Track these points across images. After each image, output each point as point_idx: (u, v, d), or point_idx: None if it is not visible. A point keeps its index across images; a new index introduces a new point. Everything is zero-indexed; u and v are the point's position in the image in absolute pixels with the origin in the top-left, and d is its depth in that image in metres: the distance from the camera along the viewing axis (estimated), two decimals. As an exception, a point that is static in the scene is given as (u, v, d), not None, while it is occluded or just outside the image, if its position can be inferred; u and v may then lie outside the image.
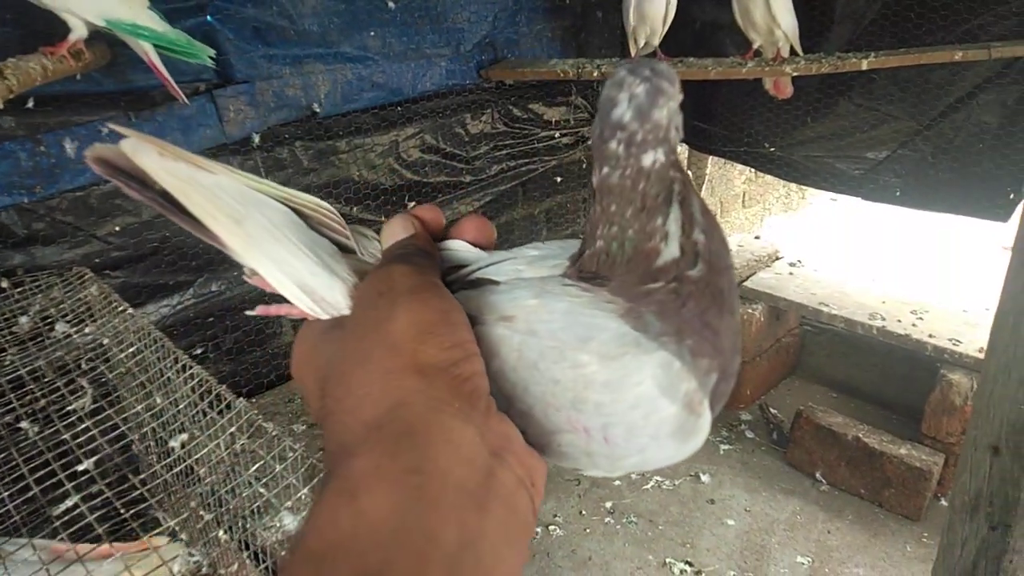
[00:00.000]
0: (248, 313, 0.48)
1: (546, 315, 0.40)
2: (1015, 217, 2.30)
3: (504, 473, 0.33)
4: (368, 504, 0.29)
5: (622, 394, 0.39)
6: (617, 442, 0.40)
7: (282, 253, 0.40)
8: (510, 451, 0.34)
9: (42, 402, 1.39)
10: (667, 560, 2.36)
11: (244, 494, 1.14)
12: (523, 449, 0.35)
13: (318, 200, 0.42)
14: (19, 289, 1.69)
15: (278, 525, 1.12)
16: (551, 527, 2.50)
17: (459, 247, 0.46)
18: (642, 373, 0.39)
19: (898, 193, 2.65)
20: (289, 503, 1.08)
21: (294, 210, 0.42)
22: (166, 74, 1.65)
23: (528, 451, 0.36)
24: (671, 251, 0.42)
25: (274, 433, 1.19)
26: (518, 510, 0.33)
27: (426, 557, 0.29)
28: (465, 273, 0.45)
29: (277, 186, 0.41)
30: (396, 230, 0.43)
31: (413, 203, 2.53)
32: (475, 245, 0.47)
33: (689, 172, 3.63)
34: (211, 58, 1.69)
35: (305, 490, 1.08)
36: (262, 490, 1.11)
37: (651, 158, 0.41)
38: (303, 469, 1.15)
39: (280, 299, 0.43)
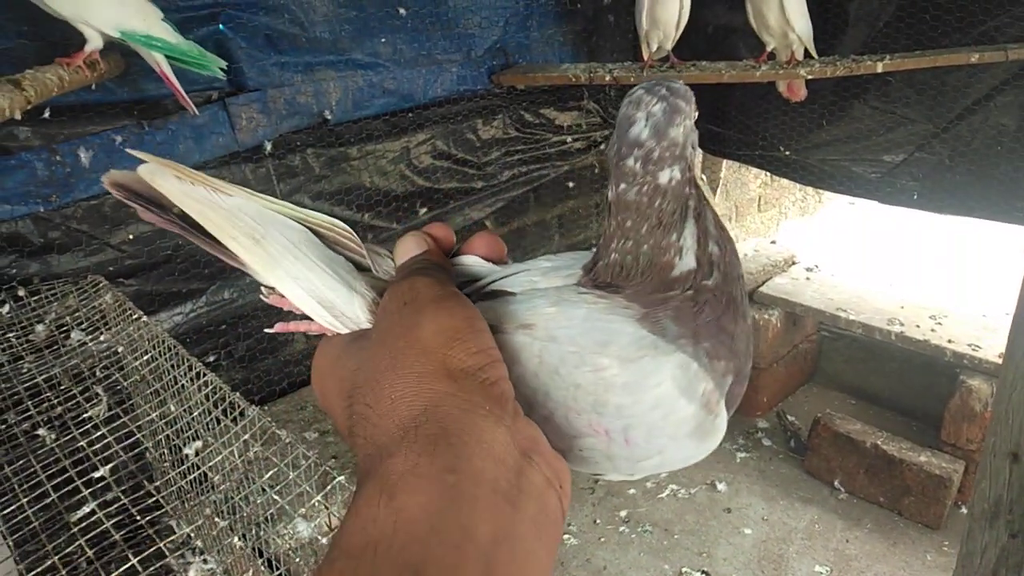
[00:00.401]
0: (267, 331, 0.48)
1: (565, 321, 0.41)
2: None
3: (534, 473, 0.34)
4: (406, 502, 0.30)
5: (642, 395, 0.40)
6: (638, 443, 0.41)
7: (301, 270, 0.41)
8: (538, 452, 0.35)
9: (58, 409, 1.40)
10: (683, 570, 2.34)
11: (258, 501, 1.14)
12: (550, 451, 0.36)
13: (333, 220, 0.43)
14: (35, 297, 1.70)
15: (292, 532, 1.11)
16: (565, 536, 2.49)
17: (472, 262, 0.47)
18: (661, 374, 0.40)
19: (915, 196, 2.62)
20: (303, 510, 1.08)
21: (311, 230, 0.43)
22: (177, 85, 1.66)
23: (554, 454, 0.37)
24: (687, 263, 0.43)
25: (287, 440, 1.18)
26: (548, 508, 0.34)
27: (463, 551, 0.30)
28: (481, 286, 0.46)
29: (293, 206, 0.42)
30: (410, 247, 0.44)
31: (425, 209, 2.53)
32: (487, 260, 0.47)
33: (704, 176, 3.62)
34: (222, 69, 1.70)
35: (318, 497, 1.07)
36: (276, 497, 1.10)
37: (667, 175, 0.42)
38: (316, 476, 1.15)
39: (297, 315, 0.43)
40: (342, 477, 1.02)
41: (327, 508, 1.06)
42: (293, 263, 0.41)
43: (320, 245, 0.43)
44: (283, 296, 0.42)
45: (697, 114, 0.44)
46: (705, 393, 0.41)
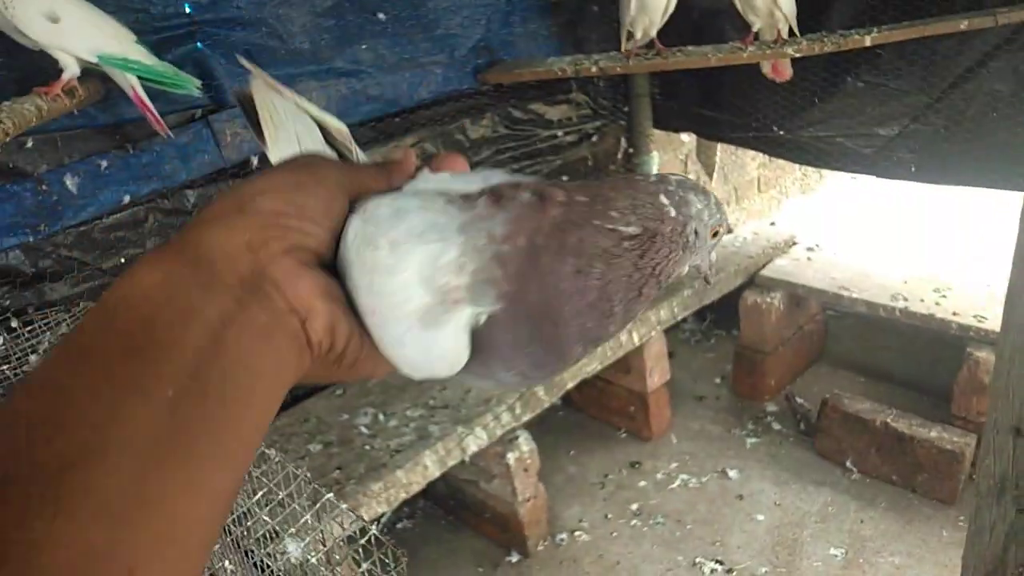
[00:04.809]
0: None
1: (385, 207, 0.44)
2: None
3: (262, 293, 0.38)
4: (144, 276, 0.36)
5: (392, 279, 0.41)
6: (388, 328, 0.42)
7: (288, 150, 0.50)
8: (290, 286, 0.39)
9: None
10: (697, 560, 2.32)
11: (248, 524, 1.14)
12: (309, 291, 0.40)
13: (339, 124, 0.52)
14: (29, 328, 1.71)
15: (283, 552, 1.11)
16: (576, 532, 2.48)
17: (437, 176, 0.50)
18: (410, 261, 0.41)
19: (913, 168, 2.58)
20: (293, 529, 1.08)
21: (321, 127, 0.52)
22: (151, 107, 1.66)
23: (319, 299, 0.40)
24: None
25: (277, 459, 1.18)
26: (284, 326, 0.39)
27: (189, 317, 0.35)
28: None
29: (318, 110, 0.52)
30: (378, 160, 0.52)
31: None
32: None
33: (699, 161, 3.58)
34: (198, 88, 1.70)
35: (308, 516, 1.07)
36: (266, 518, 1.10)
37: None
38: (307, 495, 1.15)
39: None
40: (331, 495, 1.01)
41: (318, 526, 1.05)
42: (286, 146, 0.50)
43: (319, 137, 0.52)
44: None
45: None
46: (445, 287, 0.41)
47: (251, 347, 0.37)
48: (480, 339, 0.43)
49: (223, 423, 0.35)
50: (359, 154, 0.53)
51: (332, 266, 0.44)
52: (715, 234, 0.46)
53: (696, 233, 0.45)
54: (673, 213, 0.44)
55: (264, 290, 0.38)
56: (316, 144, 0.51)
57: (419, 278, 0.41)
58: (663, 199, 0.44)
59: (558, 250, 0.41)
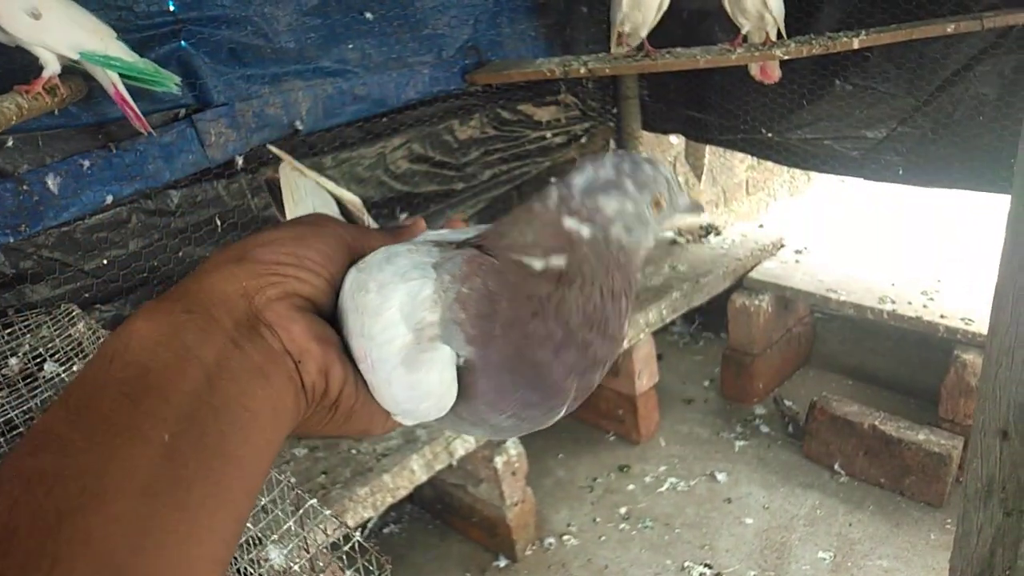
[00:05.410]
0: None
1: (379, 253, 0.44)
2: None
3: (257, 336, 0.39)
4: (140, 325, 0.37)
5: (379, 319, 0.41)
6: (378, 370, 0.42)
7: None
8: (282, 327, 0.40)
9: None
10: (685, 564, 2.31)
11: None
12: (303, 334, 0.40)
13: (353, 197, 0.57)
14: (8, 330, 1.68)
15: (265, 559, 1.09)
16: (565, 536, 2.46)
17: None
18: (393, 299, 0.41)
19: (900, 171, 2.59)
20: (275, 536, 1.06)
21: (338, 201, 0.57)
22: (132, 104, 1.63)
23: (309, 340, 0.40)
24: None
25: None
26: (279, 367, 0.39)
27: (185, 360, 0.35)
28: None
29: (335, 186, 0.57)
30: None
31: (404, 214, 2.51)
32: None
33: (687, 163, 3.59)
34: (177, 85, 1.68)
35: (291, 522, 1.05)
36: (248, 524, 1.08)
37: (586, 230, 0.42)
38: (290, 500, 1.13)
39: None
40: (314, 501, 1.00)
41: (302, 532, 1.03)
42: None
43: (335, 210, 0.56)
44: None
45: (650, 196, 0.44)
46: (421, 322, 0.41)
47: (246, 387, 0.37)
48: (465, 381, 0.42)
49: (220, 465, 0.35)
50: (370, 222, 0.57)
51: (332, 317, 0.44)
52: (657, 205, 0.43)
53: (628, 229, 0.42)
54: (586, 232, 0.41)
55: (259, 332, 0.39)
56: (331, 213, 0.55)
57: (401, 315, 0.41)
58: (568, 222, 0.41)
59: (511, 299, 0.40)
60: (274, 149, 0.60)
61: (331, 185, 0.57)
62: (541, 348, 0.40)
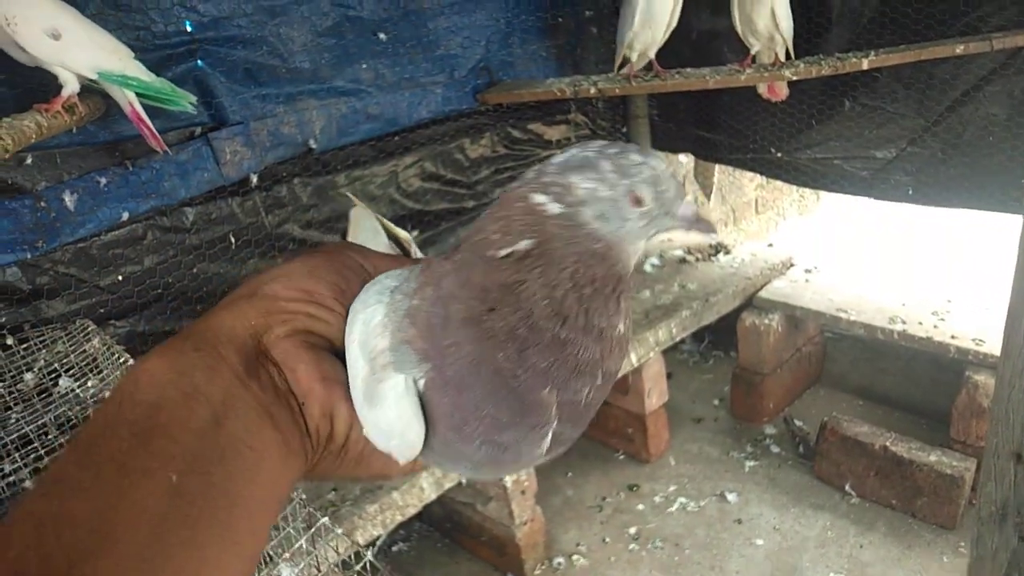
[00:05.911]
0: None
1: (370, 282, 0.43)
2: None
3: (264, 374, 0.39)
4: (152, 363, 0.37)
5: (349, 352, 0.40)
6: (359, 403, 0.40)
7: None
8: (287, 367, 0.39)
9: (46, 460, 1.39)
10: (695, 584, 2.30)
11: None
12: (307, 376, 0.40)
13: (405, 234, 0.62)
14: (24, 345, 1.70)
15: (277, 577, 1.09)
16: (574, 556, 2.45)
17: None
18: (354, 332, 0.40)
19: (910, 192, 2.59)
20: (287, 554, 1.06)
21: (391, 235, 0.61)
22: (148, 123, 1.66)
23: (313, 383, 0.40)
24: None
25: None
26: (282, 406, 0.39)
27: (193, 398, 0.36)
28: None
29: (391, 224, 0.62)
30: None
31: (416, 232, 2.52)
32: None
33: (696, 182, 3.59)
34: (192, 104, 1.70)
35: (303, 540, 1.05)
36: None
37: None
38: (302, 518, 1.13)
39: None
40: (326, 519, 1.00)
41: (313, 551, 1.03)
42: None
43: (384, 241, 0.59)
44: None
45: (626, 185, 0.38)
46: (375, 351, 0.39)
47: (252, 425, 0.37)
48: (428, 410, 0.38)
49: (227, 504, 0.35)
50: (417, 253, 0.61)
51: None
52: (637, 202, 0.37)
53: (603, 217, 0.37)
54: (555, 209, 0.36)
55: (266, 371, 0.39)
56: (379, 246, 0.58)
57: (359, 346, 0.39)
58: (537, 198, 0.37)
59: (464, 296, 0.36)
60: (349, 194, 0.64)
61: (387, 223, 0.61)
62: (501, 349, 0.35)
